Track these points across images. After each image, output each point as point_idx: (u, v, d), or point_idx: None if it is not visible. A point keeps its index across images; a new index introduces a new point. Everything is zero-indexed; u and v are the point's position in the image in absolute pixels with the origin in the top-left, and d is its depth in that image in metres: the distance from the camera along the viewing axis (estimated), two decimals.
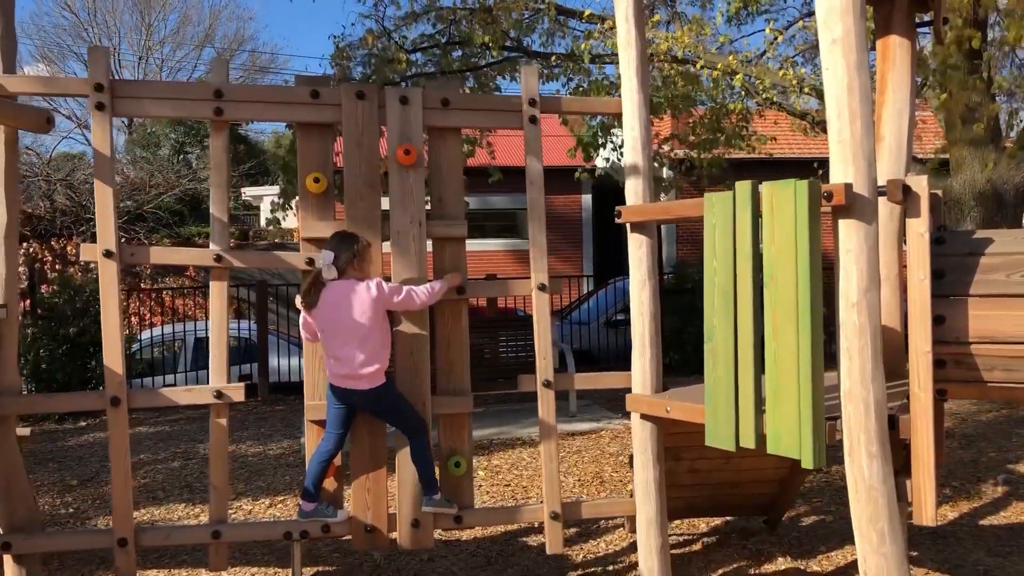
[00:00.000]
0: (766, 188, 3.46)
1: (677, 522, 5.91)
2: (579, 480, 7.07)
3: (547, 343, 4.36)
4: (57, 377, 11.17)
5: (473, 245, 21.71)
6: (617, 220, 4.31)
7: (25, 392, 11.45)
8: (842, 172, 3.31)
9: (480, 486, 6.99)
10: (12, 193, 3.95)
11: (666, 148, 10.55)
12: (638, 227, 4.31)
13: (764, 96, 10.04)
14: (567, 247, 20.44)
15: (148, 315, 15.41)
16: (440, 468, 4.35)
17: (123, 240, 17.24)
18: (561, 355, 10.35)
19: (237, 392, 4.10)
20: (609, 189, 16.90)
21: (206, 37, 38.36)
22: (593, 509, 4.51)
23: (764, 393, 3.53)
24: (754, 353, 3.52)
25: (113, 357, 3.94)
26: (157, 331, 13.36)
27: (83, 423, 10.74)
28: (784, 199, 3.36)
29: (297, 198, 4.18)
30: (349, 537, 4.27)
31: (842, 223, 3.31)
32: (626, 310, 14.60)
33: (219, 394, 4.07)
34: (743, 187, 3.55)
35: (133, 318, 15.04)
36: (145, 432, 9.93)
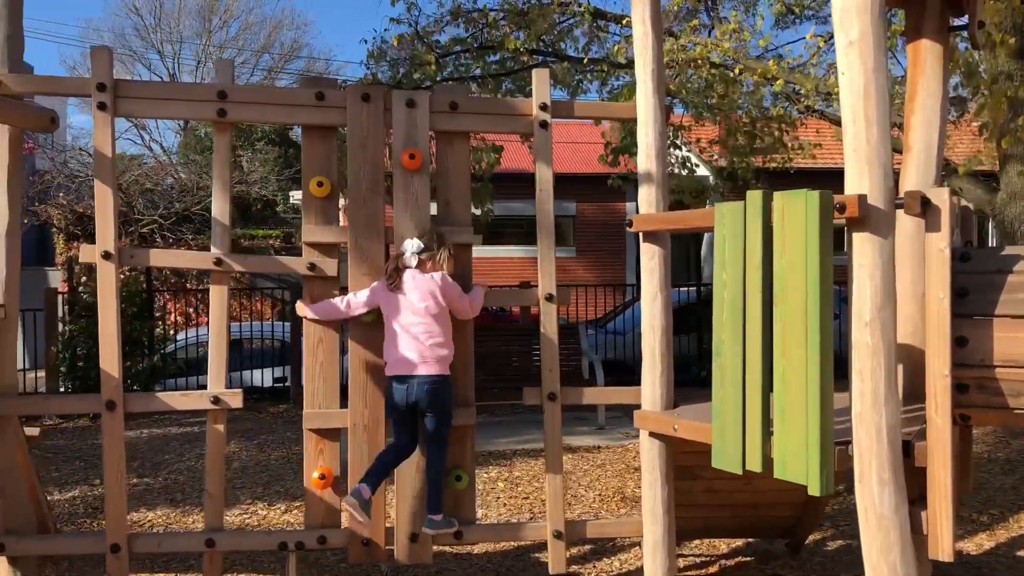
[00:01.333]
0: (777, 198, 3.30)
1: (696, 541, 5.74)
2: (600, 495, 6.92)
3: (554, 355, 4.24)
4: (92, 375, 11.33)
5: (501, 252, 21.80)
6: (629, 229, 4.17)
7: (63, 389, 11.67)
8: (857, 182, 3.14)
9: (498, 498, 6.88)
10: (15, 192, 3.94)
11: (708, 155, 10.39)
12: (650, 237, 4.17)
13: (805, 103, 9.79)
14: (608, 255, 20.23)
15: (195, 315, 15.59)
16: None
17: (170, 241, 17.49)
18: (591, 366, 10.19)
19: (234, 398, 4.04)
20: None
21: (264, 44, 38.88)
22: (599, 529, 4.36)
23: (773, 414, 3.36)
24: (762, 372, 3.36)
25: (110, 360, 3.91)
26: (193, 332, 13.46)
27: (139, 417, 10.90)
28: (795, 210, 3.20)
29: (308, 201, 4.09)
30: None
31: (856, 237, 3.14)
32: None
33: (216, 399, 4.01)
34: (754, 197, 3.39)
35: (179, 318, 15.23)
36: (175, 433, 10.02)
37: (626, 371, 13.45)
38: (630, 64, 9.50)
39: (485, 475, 7.62)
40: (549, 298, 4.23)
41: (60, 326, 12.43)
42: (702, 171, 13.16)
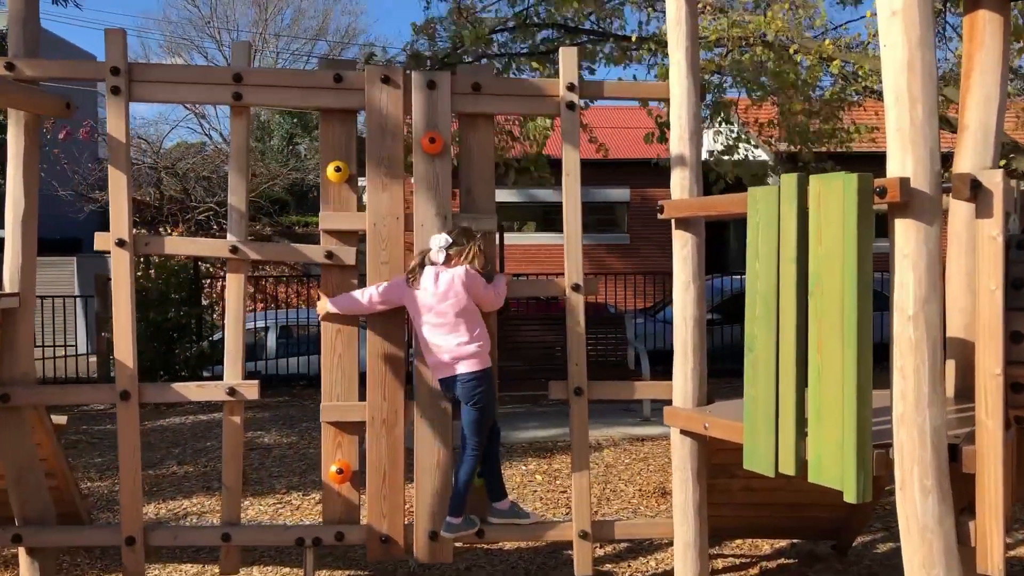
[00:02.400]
0: (813, 182, 3.09)
1: (739, 541, 5.52)
2: (640, 490, 6.73)
3: (580, 347, 4.07)
4: (141, 361, 11.47)
5: (547, 239, 21.53)
6: (660, 216, 3.97)
7: (113, 375, 11.85)
8: (900, 165, 2.90)
9: (535, 491, 6.74)
10: (32, 178, 3.90)
11: (766, 137, 10.03)
12: (683, 224, 3.96)
13: (864, 83, 9.39)
14: (663, 242, 19.86)
15: (250, 302, 15.75)
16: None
17: (225, 228, 17.67)
18: (637, 356, 9.96)
19: (251, 389, 3.95)
20: (709, 181, 16.33)
21: (319, 31, 39.07)
22: (627, 529, 4.20)
23: (808, 413, 3.15)
24: (796, 368, 3.15)
25: (124, 350, 3.85)
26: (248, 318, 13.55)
27: (163, 406, 10.99)
28: (832, 195, 2.98)
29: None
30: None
31: (898, 223, 2.91)
32: (717, 309, 14.17)
33: (232, 391, 3.93)
34: (788, 180, 3.17)
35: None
36: (219, 419, 10.08)
37: None
38: None
39: (523, 467, 7.49)
40: (576, 288, 4.06)
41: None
42: (762, 155, 12.78)
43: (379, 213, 3.99)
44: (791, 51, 8.99)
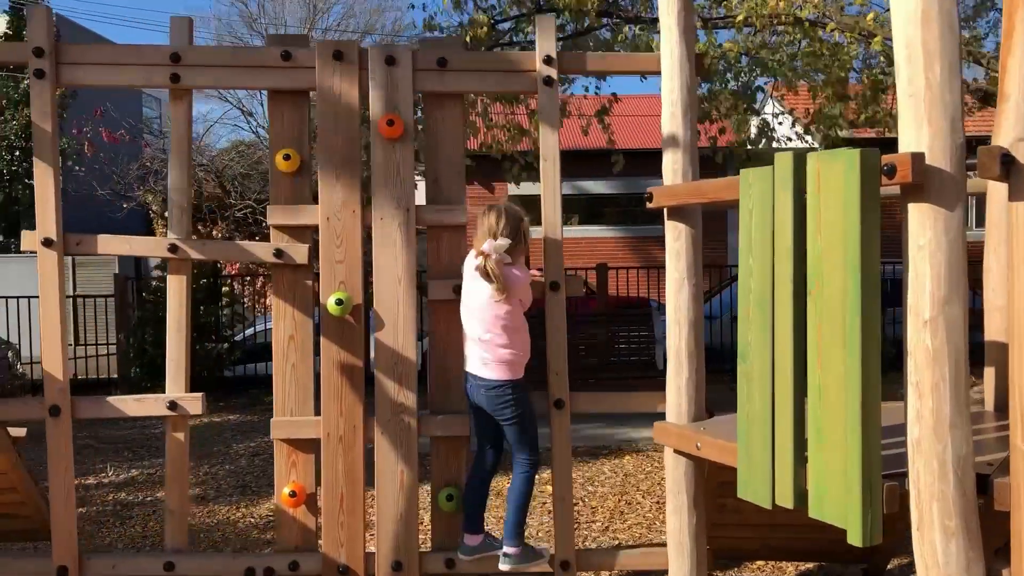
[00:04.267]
0: (812, 160, 2.61)
1: (760, 563, 5.03)
2: (658, 502, 6.26)
3: (561, 353, 3.61)
4: (158, 362, 11.31)
5: (581, 232, 21.04)
6: (648, 205, 3.50)
7: (132, 375, 11.69)
8: (914, 137, 2.42)
9: (545, 503, 6.29)
10: None
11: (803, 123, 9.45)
12: (675, 213, 3.50)
13: None
14: (713, 231, 19.26)
15: (262, 302, 15.54)
16: (431, 500, 3.69)
17: (263, 225, 17.48)
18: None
19: (194, 404, 3.58)
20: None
21: (367, 28, 38.84)
22: (616, 559, 3.74)
23: (808, 435, 2.68)
24: (793, 382, 2.68)
25: (53, 360, 3.51)
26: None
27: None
28: (833, 176, 2.50)
29: None
30: None
31: (912, 208, 2.43)
32: None
33: (173, 405, 3.55)
34: (783, 160, 2.70)
35: (254, 304, 15.19)
36: (233, 421, 9.88)
37: (718, 359, 12.60)
38: (709, 23, 8.65)
39: (537, 476, 7.03)
40: (554, 287, 3.60)
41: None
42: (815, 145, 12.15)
43: (333, 206, 3.59)
44: (828, 29, 8.40)
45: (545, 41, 3.61)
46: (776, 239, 2.72)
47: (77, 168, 24.47)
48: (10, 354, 12.31)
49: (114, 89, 18.61)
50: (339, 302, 3.51)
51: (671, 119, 3.53)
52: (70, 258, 20.32)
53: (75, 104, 23.97)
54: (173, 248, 3.58)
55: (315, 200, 3.63)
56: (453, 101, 3.70)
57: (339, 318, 3.58)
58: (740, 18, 7.63)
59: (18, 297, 13.15)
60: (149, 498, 6.68)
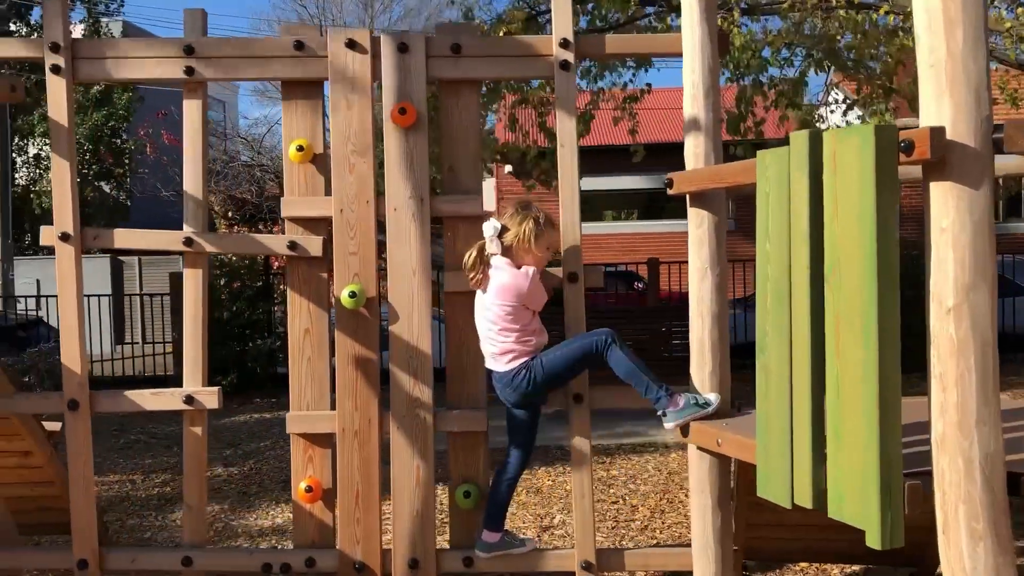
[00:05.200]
0: (828, 139, 2.46)
1: (803, 564, 4.84)
2: None
3: None
4: (211, 359, 11.47)
5: (636, 228, 20.73)
6: (669, 191, 3.37)
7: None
8: (935, 110, 2.26)
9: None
10: None
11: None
12: (697, 199, 3.36)
13: None
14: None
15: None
16: (449, 497, 3.62)
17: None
18: None
19: (210, 398, 3.57)
20: None
21: (426, 28, 38.96)
22: (640, 559, 3.62)
23: (827, 432, 2.53)
24: (811, 376, 2.54)
25: (72, 355, 3.53)
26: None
27: (257, 400, 11.01)
28: (849, 155, 2.36)
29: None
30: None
31: (933, 188, 2.27)
32: None
33: (190, 399, 3.55)
34: (799, 139, 2.56)
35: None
36: (282, 417, 9.93)
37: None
38: (756, 8, 8.39)
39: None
40: (572, 278, 3.49)
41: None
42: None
43: (346, 197, 3.53)
44: (882, 12, 8.08)
45: (561, 24, 3.50)
46: (792, 224, 2.58)
47: (141, 170, 25.11)
48: None
49: (132, 83, 18.46)
50: (352, 295, 3.46)
51: (692, 101, 3.39)
52: (136, 257, 20.83)
53: (142, 107, 24.59)
54: (188, 241, 3.57)
55: (329, 192, 3.58)
56: (469, 88, 3.61)
57: (353, 311, 3.53)
58: (786, 5, 7.37)
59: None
60: None
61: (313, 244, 3.57)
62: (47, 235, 3.57)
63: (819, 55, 7.72)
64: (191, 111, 3.62)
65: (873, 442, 2.28)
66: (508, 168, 8.69)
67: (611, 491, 6.47)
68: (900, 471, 2.30)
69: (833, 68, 8.44)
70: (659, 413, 3.30)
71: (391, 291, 3.54)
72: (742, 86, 7.54)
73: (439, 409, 3.58)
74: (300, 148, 3.56)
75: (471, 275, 3.41)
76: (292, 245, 3.57)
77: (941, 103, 2.23)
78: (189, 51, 3.53)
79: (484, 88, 8.48)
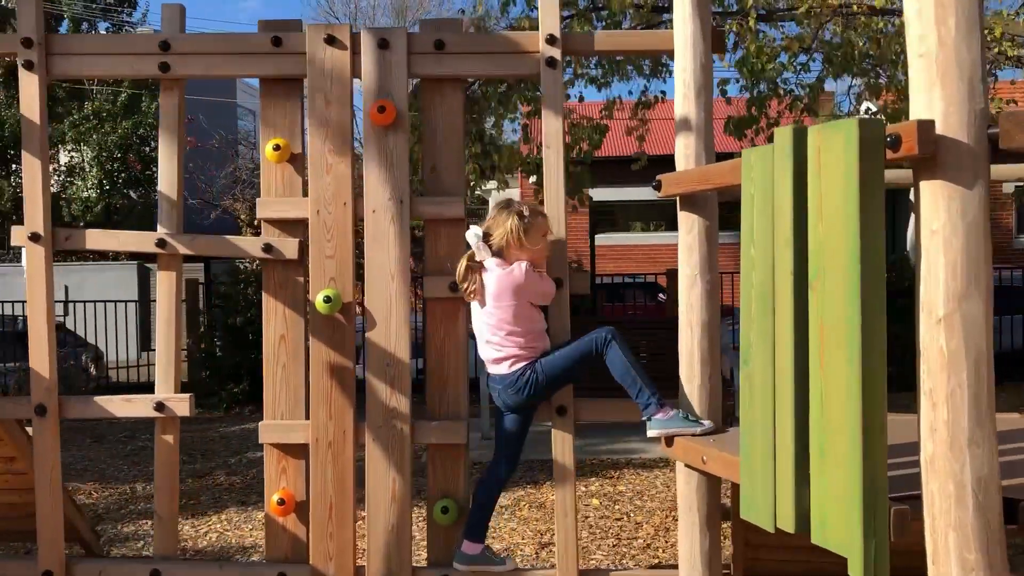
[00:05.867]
0: (813, 134, 2.29)
1: None
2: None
3: None
4: (225, 365, 11.46)
5: (661, 239, 20.47)
6: (658, 193, 3.21)
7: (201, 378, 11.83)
8: (925, 102, 2.09)
9: (587, 517, 6.01)
10: None
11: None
12: (687, 202, 3.20)
13: (998, 50, 8.11)
14: None
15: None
16: (427, 512, 3.47)
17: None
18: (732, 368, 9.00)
19: (181, 405, 3.45)
20: None
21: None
22: None
23: (811, 450, 2.36)
24: (794, 389, 2.37)
25: (40, 359, 3.42)
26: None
27: (242, 411, 10.97)
28: (834, 151, 2.20)
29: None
30: None
31: (923, 187, 2.10)
32: None
33: (160, 406, 3.43)
34: (782, 135, 2.39)
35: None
36: None
37: None
38: (775, 15, 8.18)
39: (582, 488, 6.75)
40: (557, 283, 3.34)
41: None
42: None
43: (323, 198, 3.41)
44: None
45: (548, 19, 3.36)
46: (776, 226, 2.41)
47: None
48: (84, 357, 12.68)
49: (107, 79, 18.06)
50: (327, 299, 3.33)
51: (684, 100, 3.23)
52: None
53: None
54: (161, 243, 3.47)
55: (307, 193, 3.46)
56: (452, 86, 3.48)
57: (329, 317, 3.39)
58: (802, 8, 7.17)
59: (106, 301, 13.55)
60: (192, 502, 6.66)
61: (288, 247, 3.45)
62: (17, 235, 3.48)
63: (838, 60, 7.51)
64: (167, 109, 3.52)
65: (856, 462, 2.11)
66: (532, 178, 8.55)
67: (616, 507, 6.29)
68: (885, 494, 2.12)
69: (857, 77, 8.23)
70: (644, 418, 3.14)
71: (368, 296, 3.41)
72: (758, 93, 7.32)
73: (417, 420, 3.43)
74: (277, 147, 3.44)
75: (464, 286, 3.30)
76: (267, 248, 3.45)
77: (932, 95, 2.06)
78: (165, 47, 3.43)
79: (498, 97, 8.38)
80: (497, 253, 3.27)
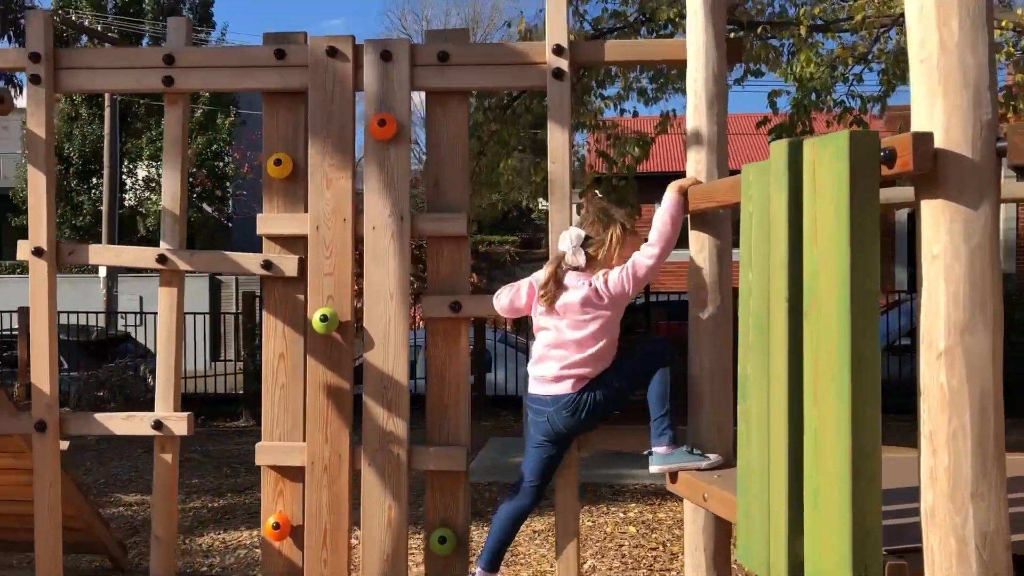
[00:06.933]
0: (808, 148, 2.10)
1: None
2: None
3: None
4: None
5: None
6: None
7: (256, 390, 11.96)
8: (926, 113, 1.90)
9: (621, 545, 5.81)
10: None
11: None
12: (698, 221, 3.03)
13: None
14: (886, 255, 17.82)
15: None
16: (424, 541, 3.33)
17: None
18: None
19: (179, 424, 3.39)
20: None
21: None
22: None
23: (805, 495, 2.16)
24: (788, 426, 2.16)
25: (41, 374, 3.40)
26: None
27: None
28: (828, 165, 2.01)
29: None
30: None
31: (924, 207, 1.91)
32: (912, 334, 12.44)
33: (158, 424, 3.38)
34: (778, 150, 2.21)
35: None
36: None
37: None
38: (826, 27, 7.87)
39: (620, 514, 6.55)
40: None
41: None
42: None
43: (322, 214, 3.33)
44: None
45: (555, 28, 3.23)
46: (771, 248, 2.22)
47: (240, 192, 25.83)
48: (143, 367, 12.92)
49: (113, 93, 18.27)
50: (324, 318, 3.23)
51: (695, 112, 3.06)
52: (234, 277, 21.37)
53: (243, 130, 25.36)
54: (162, 259, 3.42)
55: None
56: (457, 99, 3.37)
57: (326, 336, 3.30)
58: (858, 18, 6.86)
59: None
60: (227, 516, 6.65)
61: (288, 264, 3.37)
62: (22, 250, 3.47)
63: (899, 72, 7.18)
64: (172, 123, 3.48)
65: (845, 509, 1.90)
66: (599, 194, 8.41)
67: (654, 535, 6.06)
68: (878, 546, 1.91)
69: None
70: (646, 452, 2.95)
71: (366, 315, 3.31)
72: (804, 103, 7.01)
73: (415, 445, 3.31)
74: (278, 162, 3.37)
75: (546, 291, 3.02)
76: (267, 264, 3.38)
77: (933, 105, 1.86)
78: (169, 60, 3.39)
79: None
80: (587, 261, 3.02)
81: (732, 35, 8.08)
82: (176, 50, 3.42)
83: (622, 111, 8.63)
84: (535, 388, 3.10)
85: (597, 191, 8.36)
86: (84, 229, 22.86)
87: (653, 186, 12.36)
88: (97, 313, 16.18)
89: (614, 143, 8.14)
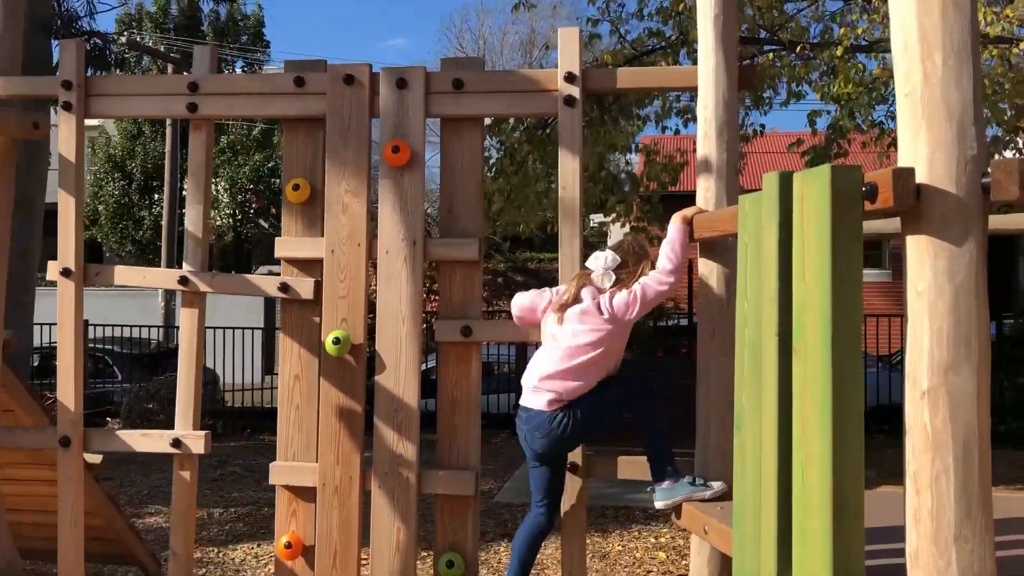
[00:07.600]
0: (797, 181, 2.09)
1: None
2: None
3: None
4: None
5: None
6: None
7: None
8: (911, 147, 1.88)
9: (650, 572, 5.73)
10: (3, 209, 3.66)
11: None
12: (707, 249, 3.01)
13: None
14: None
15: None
16: (433, 565, 3.34)
17: None
18: None
19: (197, 442, 3.46)
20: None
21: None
22: None
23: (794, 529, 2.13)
24: (777, 462, 2.14)
25: (66, 390, 3.50)
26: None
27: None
28: (813, 198, 1.99)
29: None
30: None
31: (909, 243, 1.87)
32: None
33: (177, 442, 3.45)
34: (770, 180, 2.19)
35: None
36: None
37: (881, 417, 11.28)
38: (868, 48, 7.74)
39: (652, 539, 6.47)
40: None
41: None
42: None
43: (338, 238, 3.38)
44: (1021, 47, 7.27)
45: (567, 56, 3.24)
46: (763, 280, 2.20)
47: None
48: None
49: (141, 118, 18.44)
50: (336, 341, 3.28)
51: (704, 140, 3.05)
52: None
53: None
54: (184, 280, 3.51)
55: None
56: (471, 125, 3.40)
57: (339, 358, 3.35)
58: None
59: (233, 328, 13.98)
60: (262, 531, 6.74)
61: (304, 286, 3.43)
62: (51, 270, 3.59)
63: None
64: (196, 148, 3.57)
65: (826, 547, 1.87)
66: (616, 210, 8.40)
67: (684, 561, 5.98)
68: None
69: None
70: (648, 488, 2.93)
71: (378, 338, 3.34)
72: (839, 124, 6.91)
73: (425, 468, 3.33)
74: (296, 187, 3.44)
75: (563, 301, 3.06)
76: (284, 287, 3.44)
77: (917, 138, 1.84)
78: (193, 88, 3.49)
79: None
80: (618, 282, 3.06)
81: (760, 58, 8.06)
82: (200, 78, 3.52)
83: (663, 128, 8.62)
84: (522, 399, 3.15)
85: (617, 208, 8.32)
86: (145, 243, 23.46)
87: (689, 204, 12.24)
88: (155, 327, 16.55)
89: (645, 167, 8.12)
